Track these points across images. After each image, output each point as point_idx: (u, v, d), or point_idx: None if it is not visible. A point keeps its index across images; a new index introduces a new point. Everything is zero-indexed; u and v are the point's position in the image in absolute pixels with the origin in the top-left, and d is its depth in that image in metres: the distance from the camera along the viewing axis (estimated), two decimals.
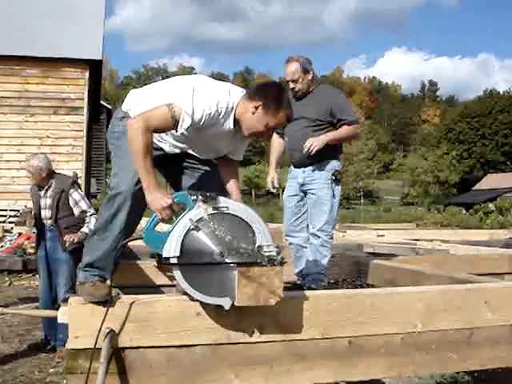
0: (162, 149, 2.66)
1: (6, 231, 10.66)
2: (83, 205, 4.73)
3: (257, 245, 2.31)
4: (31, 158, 4.71)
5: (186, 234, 2.27)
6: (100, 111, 22.00)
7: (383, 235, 9.54)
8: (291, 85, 3.93)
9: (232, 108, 2.51)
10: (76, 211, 4.70)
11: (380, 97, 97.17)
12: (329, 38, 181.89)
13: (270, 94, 2.51)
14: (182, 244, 2.27)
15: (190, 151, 2.73)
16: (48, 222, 4.68)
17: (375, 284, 4.09)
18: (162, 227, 2.40)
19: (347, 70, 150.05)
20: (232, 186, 2.74)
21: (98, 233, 2.53)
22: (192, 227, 2.28)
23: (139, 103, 2.61)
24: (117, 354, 2.30)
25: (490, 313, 2.77)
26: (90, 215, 4.74)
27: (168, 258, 2.27)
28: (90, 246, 2.57)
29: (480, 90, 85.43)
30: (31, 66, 13.46)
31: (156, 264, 3.43)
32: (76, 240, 4.53)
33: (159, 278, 3.99)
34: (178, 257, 2.26)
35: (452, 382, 3.79)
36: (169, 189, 2.87)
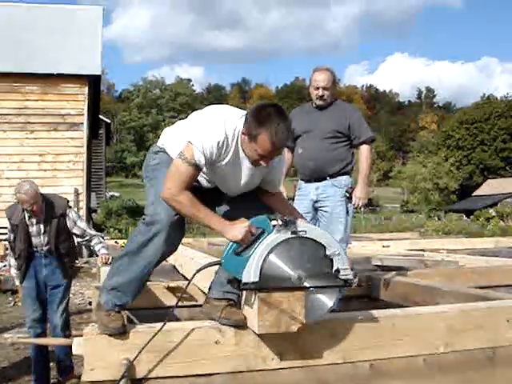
0: (198, 181, 2.53)
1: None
2: (82, 224, 4.49)
3: (334, 268, 2.30)
4: (22, 186, 4.20)
5: (264, 259, 2.25)
6: (99, 126, 21.99)
7: (389, 246, 9.46)
8: (321, 92, 3.86)
9: (238, 135, 2.36)
10: (77, 231, 4.45)
11: (378, 104, 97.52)
12: (330, 45, 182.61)
13: (251, 116, 2.28)
14: (260, 269, 2.25)
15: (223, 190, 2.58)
16: (44, 249, 4.34)
17: (389, 301, 4.02)
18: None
19: (348, 77, 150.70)
20: (292, 211, 2.60)
21: (128, 255, 2.42)
22: (270, 252, 2.26)
23: (171, 139, 2.56)
24: None
25: None
26: (94, 235, 4.53)
27: (247, 284, 2.25)
28: (119, 267, 2.43)
29: (480, 96, 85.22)
30: (30, 83, 13.46)
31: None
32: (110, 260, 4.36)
33: (168, 299, 3.93)
34: (256, 282, 2.24)
35: None
36: None
